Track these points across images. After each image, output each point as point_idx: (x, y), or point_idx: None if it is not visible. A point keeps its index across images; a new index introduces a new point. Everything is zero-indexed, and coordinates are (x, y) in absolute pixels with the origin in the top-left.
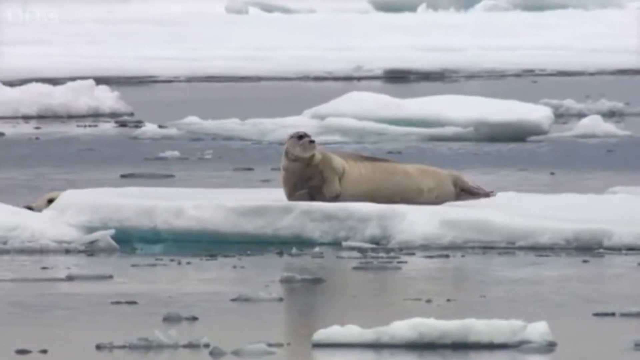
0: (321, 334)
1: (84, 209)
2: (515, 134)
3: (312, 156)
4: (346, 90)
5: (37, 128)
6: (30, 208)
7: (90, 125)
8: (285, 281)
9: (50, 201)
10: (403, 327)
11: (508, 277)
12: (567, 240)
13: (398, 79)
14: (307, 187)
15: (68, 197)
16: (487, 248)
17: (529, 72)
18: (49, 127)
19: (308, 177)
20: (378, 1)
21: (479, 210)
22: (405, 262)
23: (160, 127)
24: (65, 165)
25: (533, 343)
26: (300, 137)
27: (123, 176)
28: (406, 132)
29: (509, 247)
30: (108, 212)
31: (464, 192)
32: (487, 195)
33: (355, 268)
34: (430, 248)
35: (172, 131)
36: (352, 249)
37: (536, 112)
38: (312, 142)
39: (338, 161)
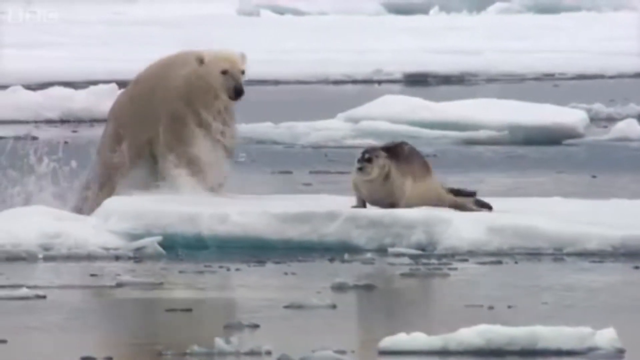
0: (388, 342)
1: (128, 216)
2: (551, 137)
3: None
4: (368, 93)
5: (75, 132)
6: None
7: None
8: (338, 288)
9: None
10: (470, 334)
11: (563, 283)
12: (614, 246)
13: (418, 82)
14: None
15: (111, 204)
16: (534, 254)
17: (549, 76)
18: (83, 131)
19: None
20: (389, 3)
21: (525, 216)
22: (456, 269)
23: None
24: None
25: (601, 350)
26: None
27: None
28: (440, 136)
29: (556, 253)
30: (152, 219)
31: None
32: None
33: (405, 274)
34: (477, 254)
35: None
36: (399, 255)
37: (571, 116)
38: (360, 169)
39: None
